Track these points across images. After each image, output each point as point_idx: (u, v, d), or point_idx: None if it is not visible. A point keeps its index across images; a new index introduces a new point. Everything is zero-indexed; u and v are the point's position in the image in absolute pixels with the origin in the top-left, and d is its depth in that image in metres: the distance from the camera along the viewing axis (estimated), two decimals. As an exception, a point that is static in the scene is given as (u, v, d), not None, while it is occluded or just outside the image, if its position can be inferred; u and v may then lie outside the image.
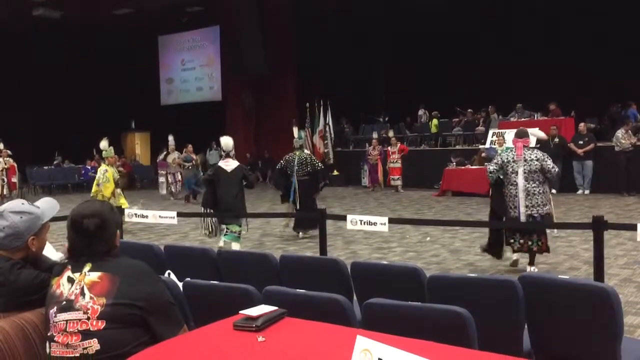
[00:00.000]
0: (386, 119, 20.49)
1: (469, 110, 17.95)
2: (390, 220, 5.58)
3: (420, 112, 19.92)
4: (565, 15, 16.89)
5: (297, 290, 2.92)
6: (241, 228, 7.97)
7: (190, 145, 16.39)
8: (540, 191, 6.26)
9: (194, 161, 16.08)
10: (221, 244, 7.78)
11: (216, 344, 2.23)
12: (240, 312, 2.41)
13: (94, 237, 2.25)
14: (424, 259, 7.38)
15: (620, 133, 13.11)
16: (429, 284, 3.18)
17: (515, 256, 6.58)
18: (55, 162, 21.44)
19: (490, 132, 14.62)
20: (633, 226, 4.50)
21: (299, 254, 6.92)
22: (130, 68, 23.79)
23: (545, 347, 2.97)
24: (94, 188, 9.98)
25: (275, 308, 2.46)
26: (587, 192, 13.58)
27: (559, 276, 3.06)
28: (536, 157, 6.31)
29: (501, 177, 6.46)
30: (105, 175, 9.83)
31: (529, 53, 17.31)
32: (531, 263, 6.49)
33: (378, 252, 8.00)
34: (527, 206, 6.21)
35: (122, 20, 21.64)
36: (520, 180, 6.25)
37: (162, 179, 17.41)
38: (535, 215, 6.24)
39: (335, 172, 18.20)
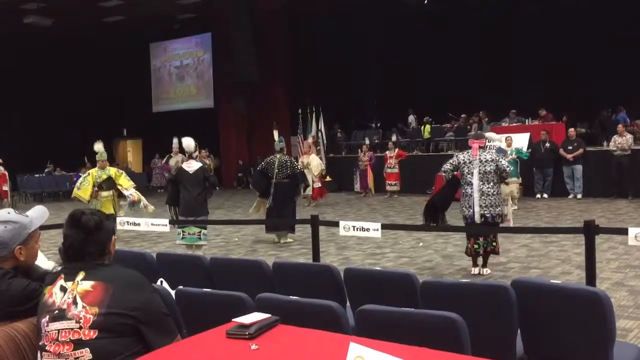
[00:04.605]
0: (378, 124, 20.53)
1: (463, 115, 18.01)
2: (383, 226, 5.59)
3: (410, 118, 19.98)
4: (557, 21, 17.00)
5: (290, 297, 2.91)
6: (200, 230, 7.97)
7: (203, 151, 16.40)
8: (494, 192, 6.43)
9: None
10: (189, 250, 7.80)
11: (209, 352, 2.22)
12: (233, 319, 2.40)
13: (90, 235, 2.25)
14: (417, 265, 7.39)
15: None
16: (422, 289, 3.18)
17: (476, 270, 6.69)
18: (46, 170, 21.33)
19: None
20: (624, 230, 4.52)
21: (292, 260, 6.92)
22: (122, 75, 23.74)
23: (538, 352, 2.97)
24: (74, 191, 9.93)
25: (269, 315, 2.46)
26: (579, 196, 13.65)
27: (551, 281, 3.07)
28: (491, 158, 6.50)
29: (450, 176, 6.66)
30: (86, 179, 9.78)
31: (521, 58, 17.40)
32: (484, 265, 6.68)
33: (371, 258, 8.00)
34: (480, 206, 6.37)
35: (113, 27, 21.62)
36: (475, 180, 6.42)
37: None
38: (488, 215, 6.41)
39: (328, 178, 18.21)
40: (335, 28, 20.04)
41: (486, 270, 6.65)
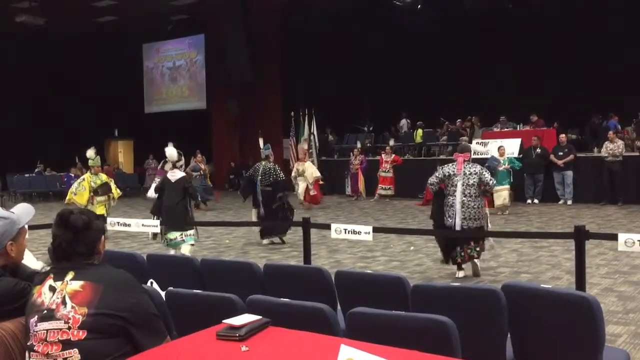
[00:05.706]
0: (370, 128, 20.54)
1: (458, 120, 18.04)
2: (375, 230, 5.59)
3: (403, 122, 20.00)
4: (549, 29, 17.09)
5: (281, 299, 2.91)
6: (181, 232, 7.94)
7: (199, 155, 16.44)
8: (475, 205, 6.51)
9: (201, 171, 16.08)
10: (172, 251, 7.81)
11: (199, 354, 2.21)
12: (224, 321, 2.40)
13: (79, 234, 2.24)
14: (408, 268, 7.40)
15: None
16: (413, 293, 3.19)
17: (461, 274, 6.68)
18: (36, 170, 21.21)
19: (474, 142, 14.75)
20: (614, 236, 4.55)
21: (283, 262, 6.91)
22: (114, 75, 23.66)
23: (527, 356, 2.98)
24: (69, 195, 10.05)
25: (259, 317, 2.45)
26: (569, 202, 13.72)
27: (542, 285, 3.08)
28: (475, 170, 6.57)
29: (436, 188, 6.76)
30: (82, 184, 9.88)
31: (513, 64, 17.47)
32: (475, 274, 6.70)
33: (362, 261, 8.00)
34: (461, 218, 6.45)
35: (106, 27, 21.54)
36: (458, 193, 6.50)
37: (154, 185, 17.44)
38: (465, 227, 6.47)
39: (321, 182, 18.20)
40: (329, 30, 20.04)
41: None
